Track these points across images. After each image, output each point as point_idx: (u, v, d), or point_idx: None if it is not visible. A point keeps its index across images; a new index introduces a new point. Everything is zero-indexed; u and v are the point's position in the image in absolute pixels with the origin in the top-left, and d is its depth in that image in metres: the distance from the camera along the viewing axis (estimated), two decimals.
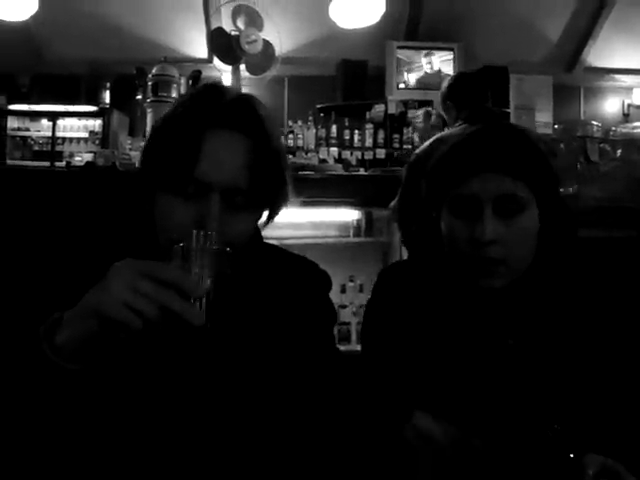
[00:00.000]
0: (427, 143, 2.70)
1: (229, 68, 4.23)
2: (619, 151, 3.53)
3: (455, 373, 1.00)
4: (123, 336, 0.74)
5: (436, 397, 0.97)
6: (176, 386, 0.89)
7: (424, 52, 5.50)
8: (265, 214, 0.99)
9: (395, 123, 5.15)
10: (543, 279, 1.04)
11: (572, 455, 0.90)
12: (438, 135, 2.76)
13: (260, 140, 0.90)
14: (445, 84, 2.94)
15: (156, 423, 0.88)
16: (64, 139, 5.42)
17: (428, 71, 5.52)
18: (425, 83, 5.46)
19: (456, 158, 1.03)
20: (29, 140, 5.41)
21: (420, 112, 4.52)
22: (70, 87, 5.29)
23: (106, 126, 5.26)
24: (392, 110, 5.10)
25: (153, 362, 0.89)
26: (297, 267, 1.02)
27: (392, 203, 2.68)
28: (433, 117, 4.25)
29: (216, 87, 0.96)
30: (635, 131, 4.42)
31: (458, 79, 2.90)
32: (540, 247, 1.03)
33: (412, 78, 5.47)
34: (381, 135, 5.13)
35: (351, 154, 4.73)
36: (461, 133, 1.06)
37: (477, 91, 2.82)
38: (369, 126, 5.13)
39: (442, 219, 1.04)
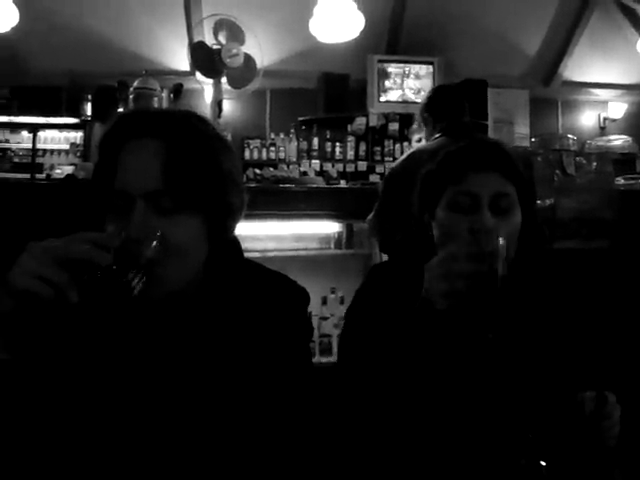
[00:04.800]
0: (403, 157, 2.72)
1: (211, 81, 4.24)
2: (594, 164, 3.59)
3: (437, 372, 1.01)
4: (41, 311, 0.73)
5: (417, 396, 0.98)
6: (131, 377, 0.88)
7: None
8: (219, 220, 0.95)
9: (376, 135, 5.20)
10: (521, 280, 1.09)
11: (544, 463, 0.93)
12: (414, 149, 2.77)
13: (177, 140, 0.87)
14: (425, 96, 2.91)
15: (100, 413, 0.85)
16: (45, 151, 5.42)
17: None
18: (406, 96, 5.52)
19: (455, 159, 1.10)
20: (9, 152, 5.39)
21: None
22: (51, 99, 5.27)
23: (87, 138, 5.25)
24: (373, 123, 5.16)
25: (85, 347, 0.87)
26: (274, 283, 1.02)
27: (368, 217, 2.66)
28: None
29: (143, 109, 0.96)
30: (609, 144, 4.51)
31: (437, 91, 2.86)
32: (518, 252, 1.09)
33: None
34: (362, 148, 5.18)
35: (333, 166, 4.76)
36: (438, 147, 1.09)
37: (456, 104, 2.77)
38: (350, 139, 5.18)
39: (436, 217, 1.10)
